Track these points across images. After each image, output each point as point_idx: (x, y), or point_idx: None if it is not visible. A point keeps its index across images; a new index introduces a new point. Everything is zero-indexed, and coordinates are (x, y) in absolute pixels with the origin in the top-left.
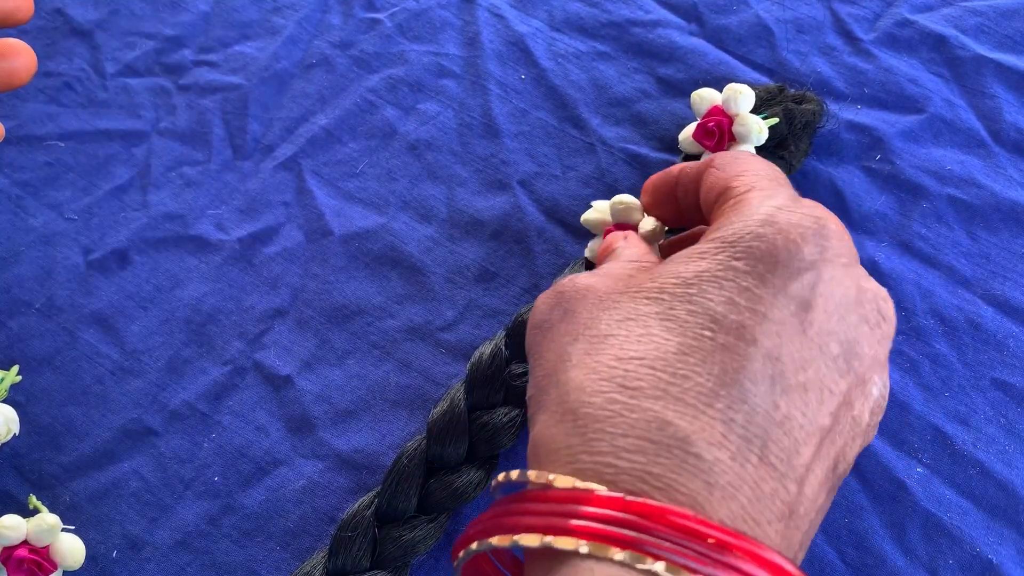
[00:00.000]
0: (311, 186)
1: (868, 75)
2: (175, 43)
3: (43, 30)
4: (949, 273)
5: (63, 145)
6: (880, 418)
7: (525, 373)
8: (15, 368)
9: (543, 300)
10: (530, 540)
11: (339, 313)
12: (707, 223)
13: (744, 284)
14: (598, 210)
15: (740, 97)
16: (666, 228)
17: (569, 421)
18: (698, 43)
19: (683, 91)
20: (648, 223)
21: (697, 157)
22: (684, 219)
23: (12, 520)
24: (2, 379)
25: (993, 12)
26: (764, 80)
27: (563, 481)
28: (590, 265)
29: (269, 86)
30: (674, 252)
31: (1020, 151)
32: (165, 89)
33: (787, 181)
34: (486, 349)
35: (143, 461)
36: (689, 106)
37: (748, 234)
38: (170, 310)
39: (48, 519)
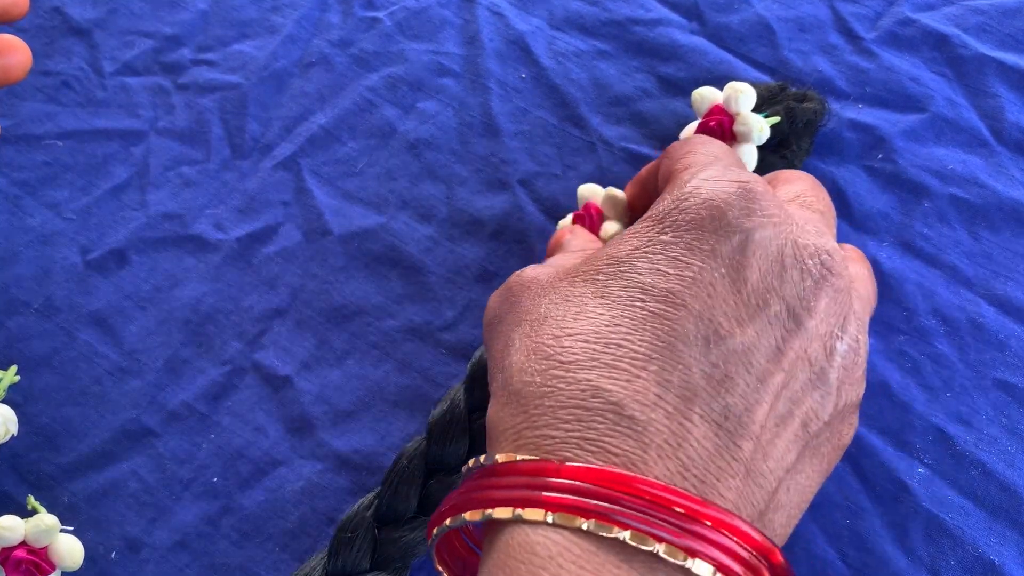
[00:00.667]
0: (310, 185)
1: (870, 74)
2: (174, 42)
3: (41, 29)
4: (951, 273)
5: (61, 144)
6: (859, 374)
7: None
8: (13, 368)
9: (493, 297)
10: (502, 513)
11: (338, 313)
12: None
13: (672, 254)
14: (588, 188)
15: (741, 96)
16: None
17: (513, 402)
18: (699, 42)
19: (684, 90)
20: (610, 228)
21: None
22: None
23: (10, 521)
24: (0, 379)
25: (995, 11)
26: (765, 79)
27: (504, 458)
28: None
29: (268, 85)
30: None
31: (1022, 151)
32: (164, 88)
33: (730, 155)
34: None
35: (142, 462)
36: (690, 105)
37: (674, 208)
38: (168, 310)
39: (46, 520)
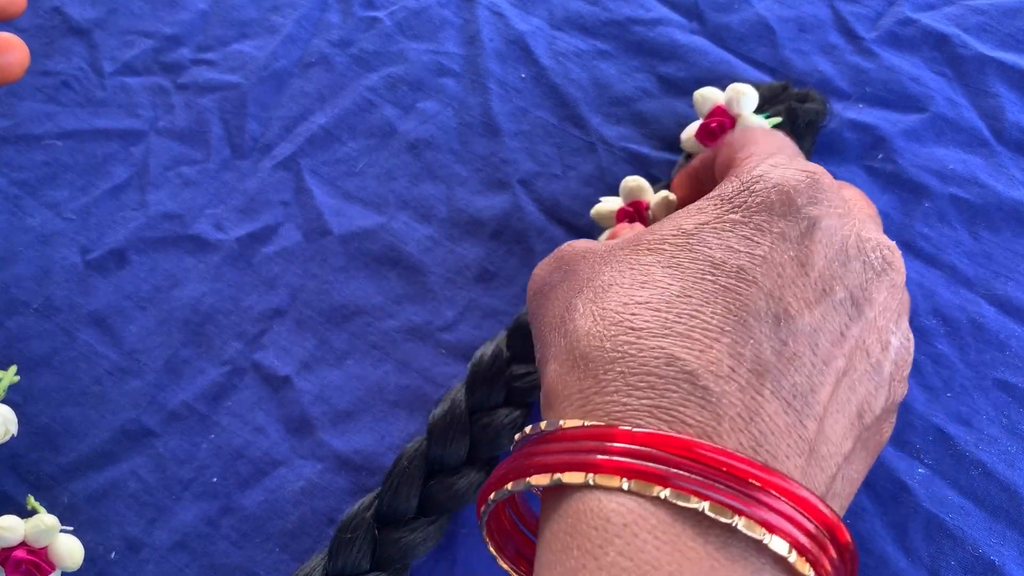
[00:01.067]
0: (310, 185)
1: (870, 74)
2: (173, 42)
3: (41, 29)
4: (951, 273)
5: (61, 144)
6: (906, 372)
7: (526, 374)
8: (13, 368)
9: (542, 266)
10: (573, 478)
11: (338, 313)
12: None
13: (742, 233)
14: (607, 204)
15: (743, 98)
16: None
17: (581, 367)
18: (699, 41)
19: (684, 90)
20: (660, 195)
21: None
22: None
23: (10, 521)
24: (0, 379)
25: (995, 11)
26: (766, 79)
27: (571, 423)
28: None
29: (268, 85)
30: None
31: (1022, 150)
32: (163, 88)
33: (793, 147)
34: (487, 349)
35: (141, 462)
36: (690, 105)
37: (744, 190)
38: (168, 310)
39: (46, 520)
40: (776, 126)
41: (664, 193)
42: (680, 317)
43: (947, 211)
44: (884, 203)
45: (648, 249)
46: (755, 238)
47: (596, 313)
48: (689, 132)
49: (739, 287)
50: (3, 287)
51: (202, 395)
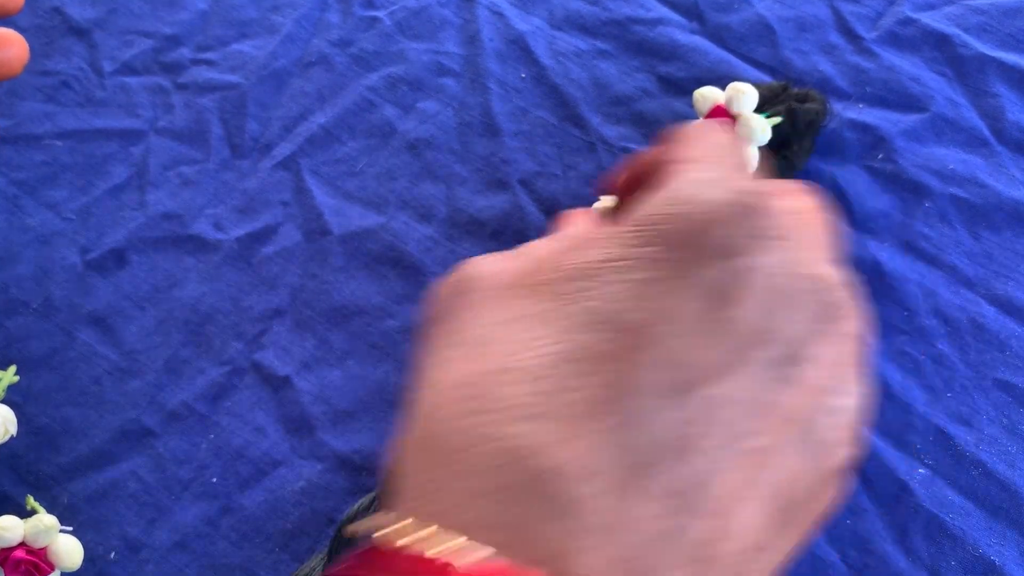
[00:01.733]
0: (310, 185)
1: (870, 74)
2: (173, 42)
3: (41, 28)
4: (952, 273)
5: (60, 144)
6: (851, 435)
7: None
8: (12, 368)
9: (440, 287)
10: None
11: (338, 313)
12: None
13: (650, 275)
14: (607, 203)
15: (743, 97)
16: None
17: (427, 447)
18: (699, 41)
19: (684, 89)
20: (605, 203)
21: None
22: None
23: (9, 521)
24: (0, 379)
25: (996, 11)
26: (766, 78)
27: (407, 541)
28: None
29: (267, 85)
30: None
31: (1023, 150)
32: (163, 88)
33: (736, 152)
34: None
35: (141, 462)
36: (690, 105)
37: (661, 215)
38: (168, 310)
39: (45, 520)
40: (776, 126)
41: (610, 201)
42: (555, 392)
43: (947, 211)
44: (884, 203)
45: (541, 293)
46: (664, 282)
47: (460, 378)
48: None
49: (635, 351)
50: (3, 287)
51: (202, 395)
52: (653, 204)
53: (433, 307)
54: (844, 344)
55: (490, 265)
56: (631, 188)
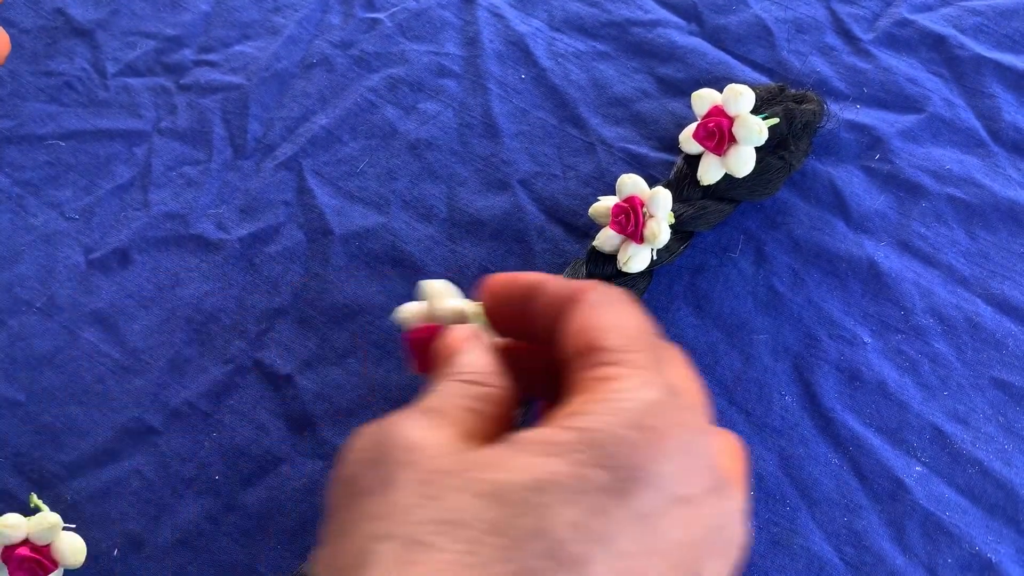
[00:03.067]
0: (311, 185)
1: (867, 75)
2: (176, 43)
3: (44, 30)
4: (948, 272)
5: (64, 144)
6: None
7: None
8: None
9: (360, 448)
10: None
11: (339, 312)
12: (551, 354)
13: (599, 503)
14: (605, 202)
15: (740, 98)
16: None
17: None
18: (698, 43)
19: (683, 91)
20: (470, 306)
21: (697, 157)
22: (526, 336)
23: (13, 519)
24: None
25: (992, 12)
26: (763, 80)
27: None
28: (595, 258)
29: (269, 86)
30: (510, 359)
31: (1019, 150)
32: (166, 89)
33: (660, 344)
34: None
35: (144, 460)
36: (689, 106)
37: (615, 435)
38: (171, 309)
39: (49, 518)
40: (774, 127)
41: (474, 306)
42: None
43: (944, 211)
44: (881, 203)
45: (483, 494)
46: (612, 512)
47: None
48: (687, 133)
49: None
50: (6, 286)
51: (204, 393)
52: (605, 420)
53: (348, 470)
54: (727, 568)
55: (412, 433)
56: (502, 309)
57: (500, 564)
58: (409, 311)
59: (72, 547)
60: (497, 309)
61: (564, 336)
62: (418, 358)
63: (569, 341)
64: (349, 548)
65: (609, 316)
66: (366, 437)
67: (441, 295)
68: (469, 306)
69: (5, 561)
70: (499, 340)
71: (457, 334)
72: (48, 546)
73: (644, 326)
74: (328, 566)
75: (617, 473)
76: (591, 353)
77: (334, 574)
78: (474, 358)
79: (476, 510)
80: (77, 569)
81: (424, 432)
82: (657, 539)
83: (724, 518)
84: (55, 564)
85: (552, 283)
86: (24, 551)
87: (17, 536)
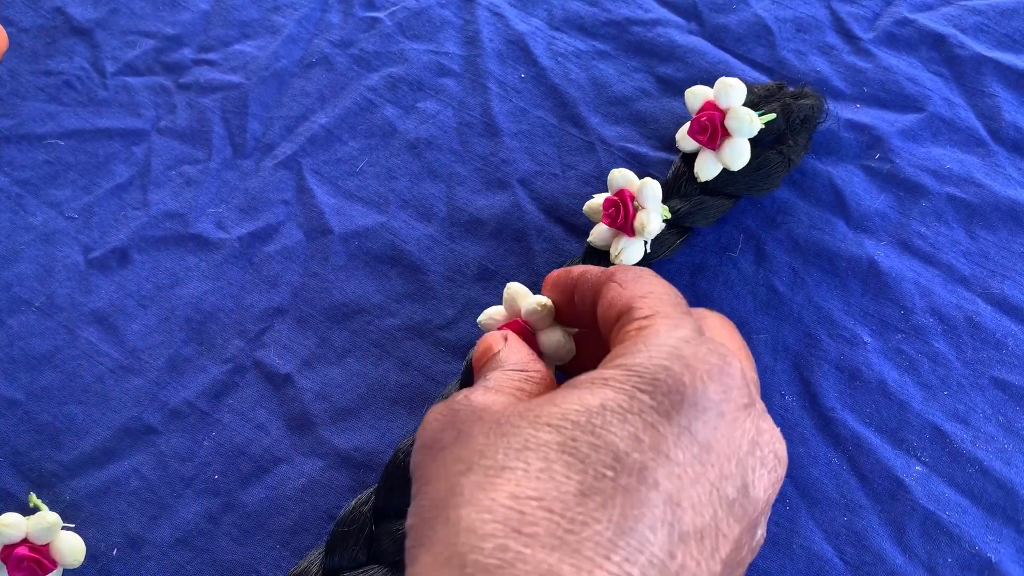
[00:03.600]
0: (311, 185)
1: (867, 74)
2: (175, 42)
3: (43, 28)
4: (948, 272)
5: (63, 144)
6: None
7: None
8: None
9: (435, 417)
10: None
11: (339, 311)
12: (600, 333)
13: (649, 420)
14: (599, 199)
15: (731, 90)
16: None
17: (456, 567)
18: (697, 42)
19: (683, 90)
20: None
21: (694, 155)
22: (579, 322)
23: (12, 518)
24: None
25: (992, 11)
26: (763, 79)
27: None
28: (591, 255)
29: (269, 85)
30: (582, 347)
31: (1019, 150)
32: (165, 88)
33: (686, 306)
34: None
35: (143, 459)
36: None
37: (655, 366)
38: (170, 308)
39: (48, 517)
40: (772, 122)
41: (539, 299)
42: (574, 524)
43: (944, 210)
44: (881, 202)
45: (548, 424)
46: (661, 428)
47: (483, 503)
48: (683, 131)
49: (639, 490)
50: (5, 285)
51: (204, 393)
52: (644, 355)
53: (433, 433)
54: (775, 487)
55: (483, 395)
56: (559, 301)
57: (573, 474)
58: (490, 315)
59: (71, 547)
60: (554, 300)
61: (601, 311)
62: (480, 355)
63: (605, 313)
64: (439, 487)
65: (636, 286)
66: (437, 410)
67: (524, 295)
68: (545, 301)
69: (4, 560)
70: (569, 329)
71: (491, 338)
72: (47, 545)
73: (670, 290)
74: (421, 508)
75: (661, 396)
76: (625, 315)
77: (428, 512)
78: (511, 352)
79: (544, 438)
80: (76, 569)
81: (488, 397)
82: (704, 450)
83: (762, 433)
84: (54, 564)
85: (590, 271)
86: (23, 550)
87: (16, 535)
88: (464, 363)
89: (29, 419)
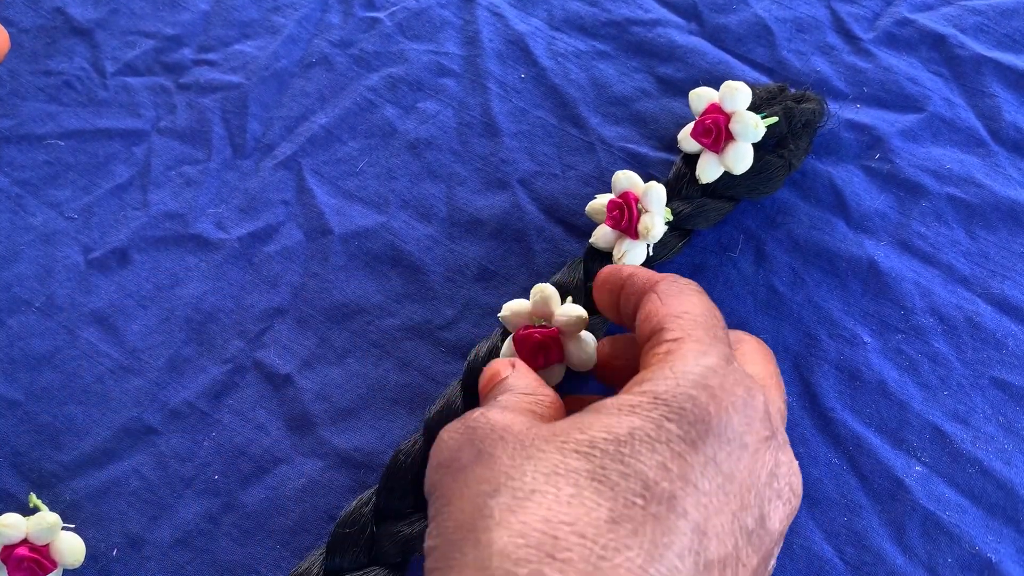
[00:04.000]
0: (311, 185)
1: (867, 74)
2: (175, 42)
3: (43, 29)
4: (948, 272)
5: (63, 144)
6: None
7: None
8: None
9: (451, 435)
10: None
11: (339, 312)
12: (638, 338)
13: (677, 449)
14: (602, 200)
15: (736, 94)
16: (584, 318)
17: None
18: (698, 42)
19: (683, 90)
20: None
21: (696, 156)
22: (623, 322)
23: (12, 518)
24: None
25: (992, 11)
26: (764, 79)
27: None
28: (593, 256)
29: (269, 85)
30: (613, 351)
31: (1019, 150)
32: (165, 88)
33: (723, 329)
34: (483, 347)
35: (143, 460)
36: (689, 105)
37: (681, 394)
38: (170, 309)
39: (48, 518)
40: (774, 126)
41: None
42: (606, 551)
43: (944, 211)
44: (881, 202)
45: (576, 451)
46: (688, 457)
47: (515, 527)
48: (686, 132)
49: (669, 519)
50: (5, 286)
51: (204, 393)
52: (671, 383)
53: (451, 451)
54: (789, 518)
55: (501, 415)
56: (606, 299)
57: (603, 500)
58: (514, 310)
59: (71, 547)
60: (601, 299)
61: (639, 322)
62: (522, 355)
63: (641, 326)
64: (464, 507)
65: (675, 303)
66: (453, 429)
67: (557, 299)
68: (552, 293)
69: (4, 560)
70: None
71: (498, 364)
72: (47, 546)
73: (708, 311)
74: (445, 529)
75: (688, 425)
76: (657, 334)
77: (454, 533)
78: (519, 378)
79: (573, 464)
80: (76, 569)
81: (506, 417)
82: (727, 480)
83: (780, 466)
84: (54, 564)
85: (638, 275)
86: (23, 551)
87: (16, 536)
88: (465, 363)
89: (29, 419)
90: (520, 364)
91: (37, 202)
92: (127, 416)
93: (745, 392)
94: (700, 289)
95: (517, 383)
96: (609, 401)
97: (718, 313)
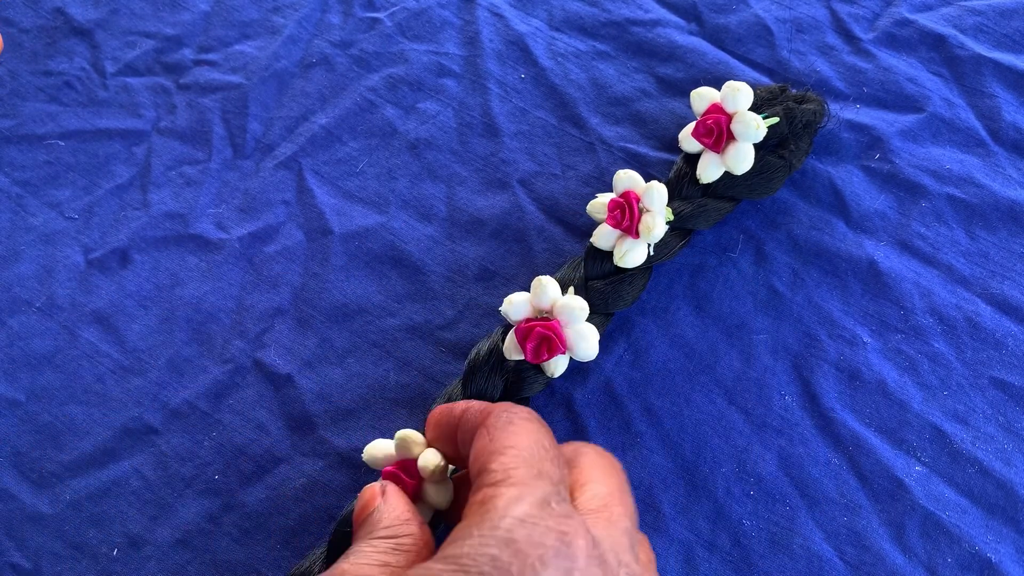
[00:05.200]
0: (311, 185)
1: (867, 74)
2: (175, 42)
3: (43, 29)
4: (948, 272)
5: (63, 144)
6: None
7: (523, 369)
8: None
9: None
10: None
11: (339, 312)
12: (471, 478)
13: None
14: (603, 199)
15: (738, 95)
16: (449, 466)
17: None
18: (697, 42)
19: (683, 90)
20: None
21: (697, 156)
22: (463, 462)
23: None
24: None
25: (992, 12)
26: (764, 79)
27: None
28: (593, 255)
29: (269, 85)
30: (463, 487)
31: (1019, 150)
32: (165, 88)
33: (551, 459)
34: (483, 347)
35: (144, 459)
36: (688, 105)
37: (482, 556)
38: (170, 309)
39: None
40: (775, 126)
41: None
42: None
43: (944, 211)
44: (881, 203)
45: None
46: None
47: None
48: (687, 132)
49: None
50: (6, 286)
51: (204, 393)
52: (475, 541)
53: None
54: None
55: (351, 571)
56: (443, 439)
57: None
58: (512, 302)
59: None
60: (437, 441)
61: (470, 463)
62: (523, 347)
63: (471, 467)
64: None
65: (501, 438)
66: None
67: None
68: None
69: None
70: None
71: (368, 493)
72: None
73: (534, 443)
74: None
75: None
76: (479, 476)
77: None
78: (387, 511)
79: None
80: (76, 567)
81: (357, 571)
82: None
83: None
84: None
85: (471, 410)
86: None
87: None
88: (466, 362)
89: (29, 419)
90: (391, 492)
91: (37, 202)
92: (127, 416)
93: (557, 540)
94: (531, 416)
95: (381, 520)
96: (416, 571)
97: (548, 440)
